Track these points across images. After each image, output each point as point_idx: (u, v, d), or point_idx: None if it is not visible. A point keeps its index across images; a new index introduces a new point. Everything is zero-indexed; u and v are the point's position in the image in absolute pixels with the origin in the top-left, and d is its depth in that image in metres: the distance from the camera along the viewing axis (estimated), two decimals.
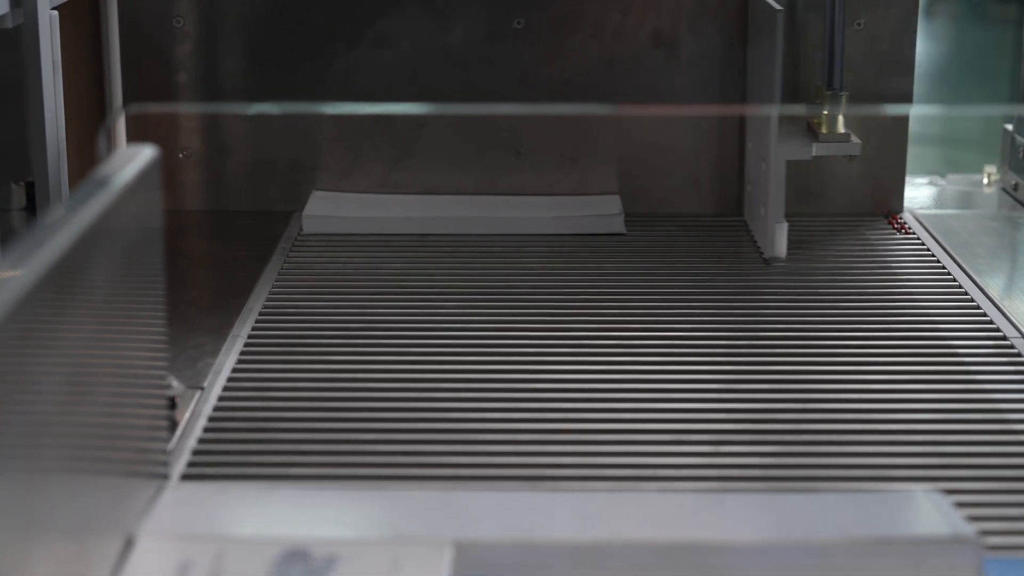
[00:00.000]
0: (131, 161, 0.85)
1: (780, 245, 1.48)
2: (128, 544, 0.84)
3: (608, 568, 0.83)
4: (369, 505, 0.89)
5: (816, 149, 1.51)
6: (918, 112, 1.67)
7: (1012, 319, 1.30)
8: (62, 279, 0.72)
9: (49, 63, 1.20)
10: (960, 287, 1.40)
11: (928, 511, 0.87)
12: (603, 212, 1.59)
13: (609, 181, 1.66)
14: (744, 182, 1.64)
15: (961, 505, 0.91)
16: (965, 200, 1.74)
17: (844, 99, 1.54)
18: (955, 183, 1.81)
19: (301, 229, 1.57)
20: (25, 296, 0.67)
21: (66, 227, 0.74)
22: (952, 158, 1.93)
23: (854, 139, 1.54)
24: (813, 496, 0.91)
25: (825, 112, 1.53)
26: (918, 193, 1.75)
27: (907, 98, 1.64)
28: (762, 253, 1.50)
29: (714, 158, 1.66)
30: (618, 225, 1.57)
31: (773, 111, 1.48)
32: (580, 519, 0.87)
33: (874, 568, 0.83)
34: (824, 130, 1.53)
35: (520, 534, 0.84)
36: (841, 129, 1.53)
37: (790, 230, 1.57)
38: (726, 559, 0.83)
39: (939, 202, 1.72)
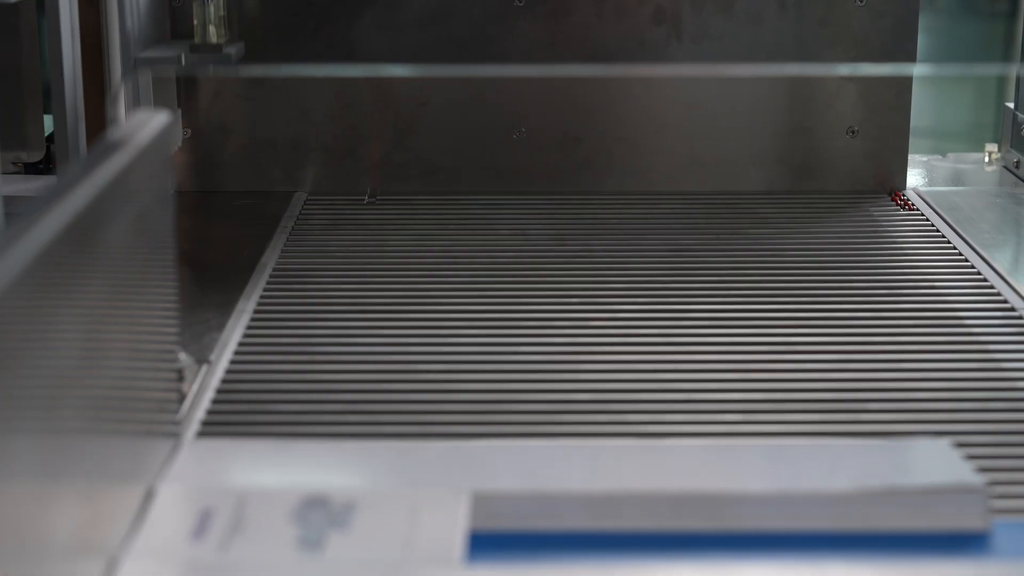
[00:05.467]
0: (146, 124, 0.85)
1: None
2: (148, 496, 0.84)
3: (621, 518, 0.84)
4: (386, 456, 0.91)
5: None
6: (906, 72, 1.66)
7: (1021, 292, 1.30)
8: (78, 238, 0.72)
9: (68, 29, 1.36)
10: (967, 261, 1.39)
11: (935, 460, 0.87)
12: None
13: (610, 158, 1.66)
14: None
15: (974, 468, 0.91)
16: (967, 178, 1.74)
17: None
18: (956, 161, 1.81)
19: None
20: (42, 253, 0.66)
21: (83, 186, 0.73)
22: (944, 149, 1.94)
23: (229, 50, 1.47)
24: (822, 446, 0.92)
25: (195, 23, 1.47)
26: (918, 171, 1.75)
27: (909, 75, 1.63)
28: None
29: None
30: None
31: None
32: (594, 470, 0.87)
33: (883, 517, 0.83)
34: (196, 39, 1.46)
35: (535, 484, 0.85)
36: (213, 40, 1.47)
37: (792, 206, 1.57)
38: (737, 509, 0.83)
39: (941, 180, 1.72)
